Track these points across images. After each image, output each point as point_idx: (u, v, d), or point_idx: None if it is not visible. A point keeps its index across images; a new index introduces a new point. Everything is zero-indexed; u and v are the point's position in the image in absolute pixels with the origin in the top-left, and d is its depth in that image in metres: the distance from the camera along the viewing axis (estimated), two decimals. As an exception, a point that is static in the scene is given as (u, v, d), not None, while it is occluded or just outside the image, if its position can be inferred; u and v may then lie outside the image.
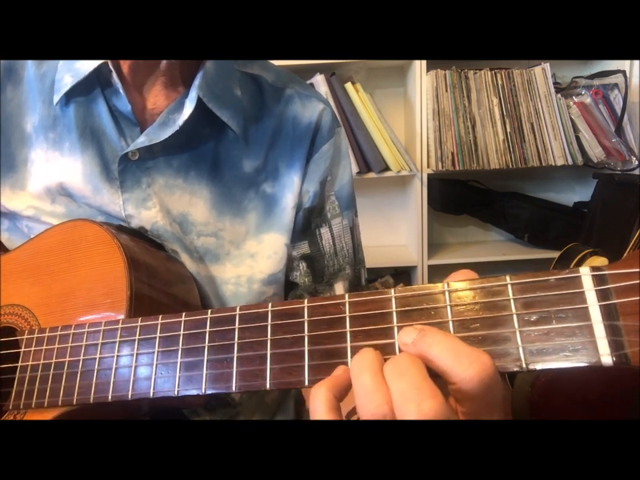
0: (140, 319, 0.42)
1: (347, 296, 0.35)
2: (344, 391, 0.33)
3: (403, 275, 1.93)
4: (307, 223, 0.64)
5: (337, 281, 0.67)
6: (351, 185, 0.68)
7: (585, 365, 0.28)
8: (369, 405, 0.30)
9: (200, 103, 0.55)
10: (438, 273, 1.94)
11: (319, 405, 0.32)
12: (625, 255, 0.29)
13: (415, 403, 0.28)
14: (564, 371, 0.28)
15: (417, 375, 0.30)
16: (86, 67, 0.55)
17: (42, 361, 0.45)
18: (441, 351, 0.30)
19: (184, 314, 0.40)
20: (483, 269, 1.92)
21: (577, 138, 1.70)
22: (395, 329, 0.33)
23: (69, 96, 0.57)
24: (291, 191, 0.61)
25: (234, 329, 0.37)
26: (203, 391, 0.37)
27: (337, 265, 0.66)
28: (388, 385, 0.30)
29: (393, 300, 0.33)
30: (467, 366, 0.28)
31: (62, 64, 0.57)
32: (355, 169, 1.69)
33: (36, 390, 0.44)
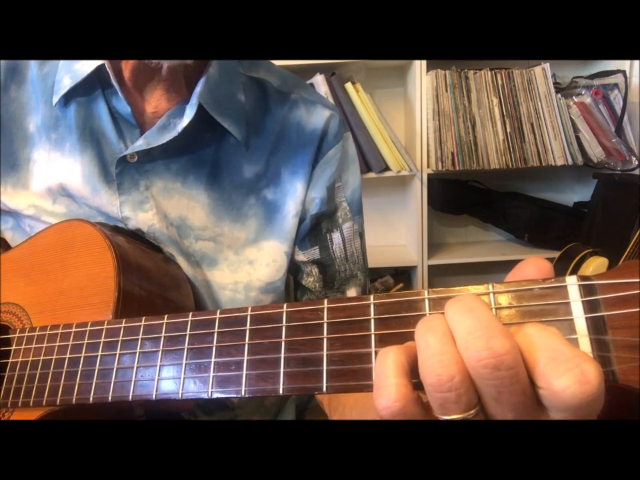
0: (124, 320, 0.41)
1: (325, 301, 0.33)
2: (416, 360, 0.28)
3: (403, 275, 1.93)
4: (318, 228, 0.64)
5: (349, 287, 0.66)
6: (360, 189, 0.68)
7: None
8: (433, 366, 0.26)
9: (201, 109, 0.55)
10: (438, 273, 1.94)
11: (389, 367, 0.27)
12: (620, 263, 0.27)
13: (484, 340, 0.25)
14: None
15: (486, 312, 0.26)
16: (84, 68, 0.54)
17: (30, 360, 0.45)
18: (534, 343, 0.25)
19: (166, 316, 0.39)
20: (483, 269, 1.92)
21: (577, 138, 1.70)
22: (372, 336, 0.31)
23: (69, 97, 0.57)
24: (293, 198, 0.61)
25: (213, 332, 0.37)
26: (180, 395, 0.36)
27: (349, 270, 0.66)
28: (451, 325, 0.27)
29: (372, 307, 0.32)
30: (561, 372, 0.24)
31: (62, 65, 0.57)
32: (355, 168, 1.69)
33: (23, 388, 0.45)
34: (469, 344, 0.25)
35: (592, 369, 0.24)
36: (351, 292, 0.66)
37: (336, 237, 0.65)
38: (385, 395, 0.27)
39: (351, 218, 0.66)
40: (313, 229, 0.64)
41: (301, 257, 0.64)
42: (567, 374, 0.24)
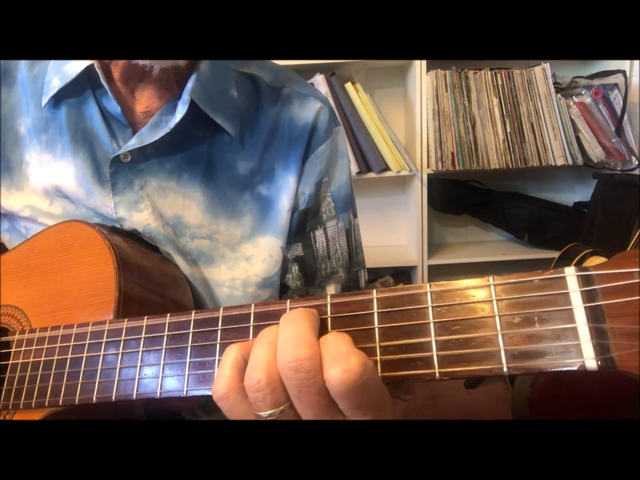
0: (126, 319, 0.41)
1: (329, 297, 0.34)
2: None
3: (403, 275, 1.94)
4: (302, 225, 0.64)
5: (330, 284, 0.66)
6: (349, 185, 0.67)
7: (569, 369, 0.27)
8: (249, 371, 0.31)
9: (193, 105, 0.55)
10: (438, 273, 1.94)
11: (226, 361, 0.33)
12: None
13: (293, 347, 0.30)
14: (564, 371, 0.27)
15: (303, 325, 0.31)
16: (73, 69, 0.54)
17: (31, 362, 0.45)
18: (327, 346, 0.31)
19: (168, 315, 0.39)
20: (483, 269, 1.92)
21: (577, 138, 1.70)
22: (376, 330, 0.32)
23: (59, 98, 0.56)
24: (286, 192, 0.61)
25: (217, 330, 0.37)
26: (185, 393, 0.37)
27: (330, 268, 0.66)
28: (279, 334, 0.32)
29: (375, 301, 0.33)
30: (334, 364, 0.29)
31: (51, 66, 0.57)
32: (354, 168, 1.69)
33: (24, 390, 0.44)
34: (281, 350, 0.31)
35: (356, 360, 0.29)
36: (331, 288, 0.66)
37: (319, 234, 0.65)
38: (217, 382, 0.33)
39: (335, 216, 0.65)
40: (298, 226, 0.63)
41: (285, 253, 0.64)
42: (337, 365, 0.29)
